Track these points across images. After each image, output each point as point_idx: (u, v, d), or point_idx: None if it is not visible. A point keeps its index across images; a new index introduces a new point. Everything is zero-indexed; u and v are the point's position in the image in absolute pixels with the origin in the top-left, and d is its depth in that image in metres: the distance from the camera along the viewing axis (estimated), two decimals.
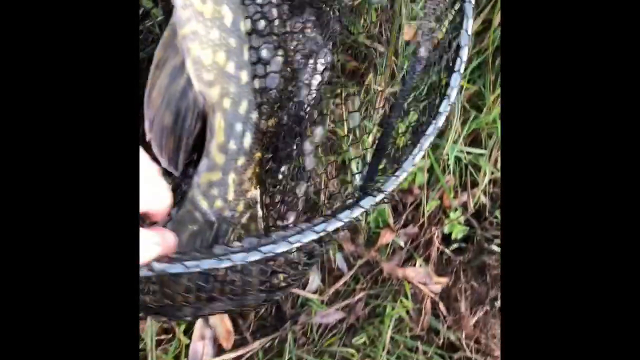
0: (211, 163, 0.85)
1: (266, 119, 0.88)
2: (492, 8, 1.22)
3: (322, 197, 1.07)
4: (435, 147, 1.27)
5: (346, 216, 0.70)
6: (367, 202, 0.72)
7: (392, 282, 1.28)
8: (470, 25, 0.76)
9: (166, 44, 0.82)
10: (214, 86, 0.82)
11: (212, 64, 0.81)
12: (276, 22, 0.85)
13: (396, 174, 0.74)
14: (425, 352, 1.28)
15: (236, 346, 1.19)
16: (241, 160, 0.86)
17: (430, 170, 1.28)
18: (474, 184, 1.32)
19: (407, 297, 1.27)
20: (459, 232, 1.33)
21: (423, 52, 0.86)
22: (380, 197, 0.72)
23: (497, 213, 1.34)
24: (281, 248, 0.68)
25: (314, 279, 1.22)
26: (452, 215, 1.31)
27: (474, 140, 1.31)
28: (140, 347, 1.11)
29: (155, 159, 0.84)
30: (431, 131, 0.75)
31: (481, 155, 1.30)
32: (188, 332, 1.16)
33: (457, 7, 0.79)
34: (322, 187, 1.06)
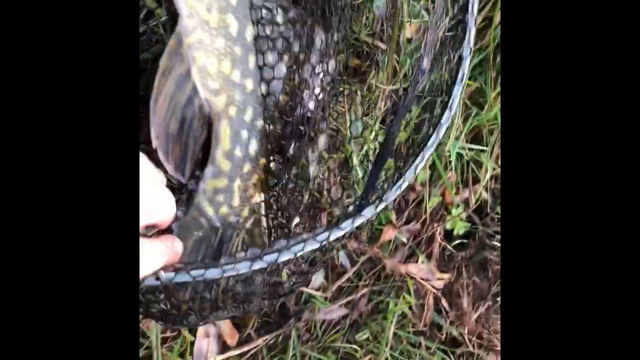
0: (217, 170, 0.86)
1: (271, 125, 0.89)
2: (493, 6, 1.23)
3: (325, 198, 1.07)
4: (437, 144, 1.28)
5: (348, 225, 0.72)
6: (369, 212, 0.73)
7: (394, 278, 1.29)
8: (472, 37, 0.77)
9: (172, 52, 0.82)
10: (220, 94, 0.83)
11: (218, 72, 0.81)
12: (282, 29, 0.85)
13: (398, 183, 0.75)
14: (428, 348, 1.29)
15: (240, 343, 1.20)
16: (247, 167, 0.87)
17: (432, 167, 1.29)
18: (476, 180, 1.33)
19: (409, 293, 1.29)
20: (460, 228, 1.34)
21: (425, 63, 0.86)
22: (381, 206, 0.74)
23: (499, 209, 1.35)
24: (284, 257, 0.70)
25: (318, 276, 1.23)
26: (453, 211, 1.32)
27: (476, 136, 1.32)
28: (145, 344, 1.13)
29: (161, 166, 0.85)
30: (433, 142, 0.76)
31: (482, 151, 1.30)
32: (193, 329, 1.17)
33: (459, 18, 0.79)
34: (326, 189, 1.07)
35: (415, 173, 0.75)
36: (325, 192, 1.07)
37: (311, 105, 0.92)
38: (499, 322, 1.32)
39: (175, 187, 0.94)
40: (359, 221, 0.72)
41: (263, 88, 0.85)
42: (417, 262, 1.30)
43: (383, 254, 1.28)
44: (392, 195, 0.74)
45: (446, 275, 1.32)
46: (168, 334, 1.15)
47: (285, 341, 1.22)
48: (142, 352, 1.12)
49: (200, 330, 1.17)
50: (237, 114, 0.84)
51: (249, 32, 0.81)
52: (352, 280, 1.27)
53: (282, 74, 0.87)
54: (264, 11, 0.82)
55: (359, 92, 1.15)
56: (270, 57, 0.85)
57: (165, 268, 0.69)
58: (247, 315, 1.17)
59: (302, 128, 0.92)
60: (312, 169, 0.94)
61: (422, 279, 1.29)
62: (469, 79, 1.27)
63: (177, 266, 0.70)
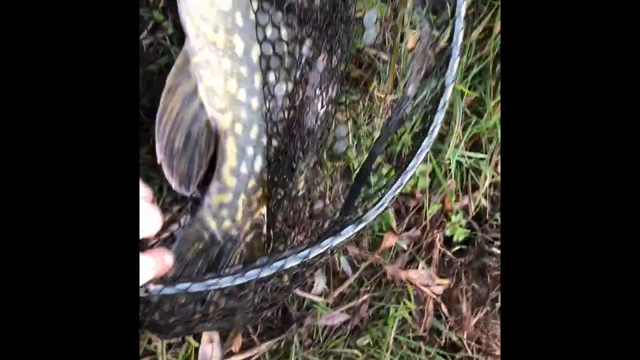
0: (222, 185, 0.88)
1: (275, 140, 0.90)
2: (493, 16, 1.24)
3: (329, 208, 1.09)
4: (436, 151, 1.29)
5: (328, 244, 0.75)
6: (349, 231, 0.76)
7: (395, 284, 1.31)
8: (455, 66, 0.79)
9: (179, 70, 0.84)
10: (226, 113, 0.84)
11: (224, 91, 0.83)
12: (286, 48, 0.87)
13: (377, 205, 0.78)
14: (427, 353, 1.31)
15: (243, 349, 1.22)
16: (252, 183, 0.88)
17: (432, 174, 1.31)
18: (475, 188, 1.35)
19: (410, 299, 1.30)
20: (460, 234, 1.35)
21: (411, 90, 0.88)
22: (361, 226, 0.77)
23: (498, 216, 1.37)
24: (265, 273, 0.73)
25: (319, 282, 1.25)
26: (453, 218, 1.34)
27: (475, 144, 1.33)
28: (150, 350, 1.14)
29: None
30: (412, 166, 0.78)
31: (482, 159, 1.32)
32: (197, 336, 1.19)
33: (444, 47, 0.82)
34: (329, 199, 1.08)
35: (394, 195, 0.78)
36: (328, 202, 1.08)
37: (314, 119, 0.93)
38: (498, 326, 1.34)
39: (179, 198, 0.96)
40: (337, 240, 0.75)
41: (267, 104, 0.87)
42: (417, 268, 1.32)
43: (384, 260, 1.29)
44: (372, 215, 0.77)
45: (445, 281, 1.34)
46: (173, 339, 1.16)
47: (288, 346, 1.24)
48: (147, 359, 1.13)
49: (204, 336, 1.19)
50: (243, 131, 0.85)
51: (255, 52, 0.83)
52: (353, 286, 1.29)
53: (287, 90, 0.88)
54: (270, 30, 0.84)
55: (360, 102, 1.17)
56: (275, 75, 0.86)
57: (154, 281, 0.73)
58: (233, 328, 1.19)
59: (305, 142, 0.93)
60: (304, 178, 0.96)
61: (422, 285, 1.31)
62: (469, 88, 1.28)
63: (166, 280, 0.74)
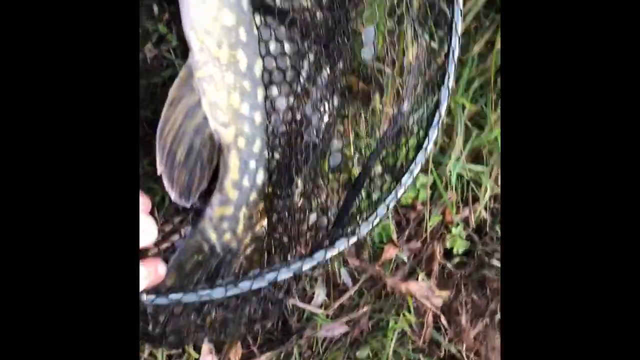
0: (224, 198, 0.88)
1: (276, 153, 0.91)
2: (495, 30, 1.24)
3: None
4: (437, 163, 1.30)
5: (320, 256, 0.76)
6: (341, 244, 0.77)
7: (395, 296, 1.31)
8: (451, 83, 0.80)
9: (182, 83, 0.85)
10: (229, 126, 0.85)
11: (228, 106, 0.84)
12: (288, 62, 0.87)
13: (370, 219, 0.79)
14: None
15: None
16: (253, 196, 0.89)
17: (433, 186, 1.31)
18: (475, 200, 1.35)
19: (409, 311, 1.31)
20: (460, 246, 1.36)
21: (407, 105, 0.89)
22: (353, 239, 0.78)
23: (498, 228, 1.37)
24: (257, 285, 0.74)
25: (319, 294, 1.25)
26: (453, 230, 1.34)
27: (476, 157, 1.34)
28: None
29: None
30: (405, 181, 0.79)
31: (482, 172, 1.32)
32: (197, 347, 1.19)
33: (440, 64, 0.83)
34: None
35: (387, 210, 0.79)
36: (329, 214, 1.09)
37: (315, 132, 0.94)
38: (497, 339, 1.34)
39: (180, 209, 0.96)
40: (330, 253, 0.77)
41: (269, 118, 0.87)
42: (417, 280, 1.32)
43: (384, 272, 1.30)
44: (365, 229, 0.79)
45: (445, 293, 1.34)
46: (173, 351, 1.16)
47: (287, 358, 1.24)
48: None
49: (204, 347, 1.19)
50: (246, 145, 0.86)
51: (258, 67, 0.83)
52: (353, 298, 1.29)
53: (289, 104, 0.89)
54: (273, 45, 0.84)
55: (362, 115, 1.17)
56: (277, 89, 0.87)
57: (147, 290, 0.73)
58: (227, 340, 1.19)
59: (305, 155, 0.94)
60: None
61: (421, 296, 1.31)
62: (471, 101, 1.29)
63: (159, 290, 0.75)
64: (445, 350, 1.34)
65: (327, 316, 1.26)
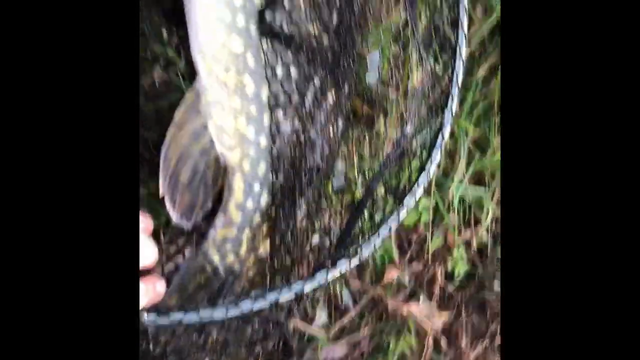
0: (228, 220, 0.89)
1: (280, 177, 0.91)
2: (499, 55, 1.25)
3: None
4: (440, 186, 1.30)
5: (322, 277, 0.77)
6: (343, 265, 0.78)
7: (396, 318, 1.31)
8: (455, 106, 0.81)
9: (189, 106, 0.85)
10: (235, 150, 0.86)
11: (234, 129, 0.84)
12: (294, 86, 0.88)
13: (372, 239, 0.80)
14: None
15: None
16: (257, 219, 0.89)
17: (435, 208, 1.31)
18: (477, 222, 1.36)
19: (410, 333, 1.31)
20: (461, 268, 1.36)
21: (409, 129, 0.90)
22: (355, 260, 0.78)
23: (499, 250, 1.37)
24: (258, 305, 0.75)
25: (321, 316, 1.25)
26: (455, 252, 1.34)
27: (478, 179, 1.34)
28: None
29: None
30: (407, 202, 0.80)
31: (484, 194, 1.33)
32: None
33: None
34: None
35: (389, 231, 0.80)
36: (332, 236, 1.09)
37: (320, 155, 0.95)
38: None
39: (185, 230, 0.96)
40: (332, 274, 0.77)
41: (274, 142, 0.88)
42: (418, 302, 1.32)
43: (385, 294, 1.30)
44: (367, 250, 0.79)
45: (445, 314, 1.34)
46: None
47: None
48: None
49: None
50: (250, 168, 0.87)
51: (265, 92, 0.84)
52: (354, 319, 1.29)
53: (294, 127, 0.89)
54: (279, 69, 0.85)
55: (366, 137, 1.18)
56: (283, 112, 0.88)
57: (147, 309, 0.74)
58: None
59: (311, 177, 0.94)
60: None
61: (422, 318, 1.31)
62: (474, 124, 1.29)
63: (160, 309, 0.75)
64: None
65: (328, 338, 1.26)
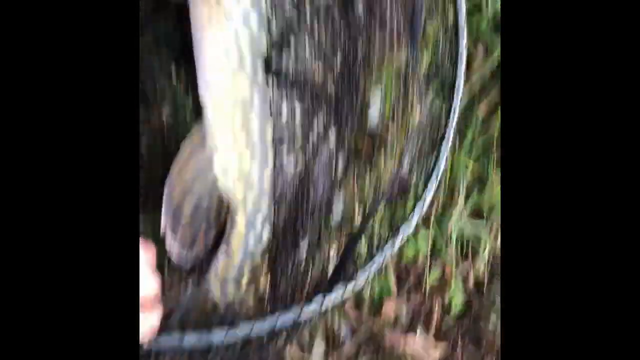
0: (230, 254, 0.90)
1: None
2: (500, 92, 1.27)
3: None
4: (439, 220, 1.31)
5: (319, 300, 0.78)
6: (340, 290, 0.80)
7: (393, 349, 1.32)
8: (450, 138, 0.83)
9: (194, 141, 0.87)
10: (238, 186, 0.87)
11: (238, 167, 0.86)
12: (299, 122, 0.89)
13: (368, 265, 0.81)
14: None
15: None
16: (258, 254, 0.90)
17: (434, 240, 1.33)
18: (475, 254, 1.37)
19: None
20: (458, 300, 1.37)
21: (407, 162, 0.92)
22: (351, 287, 0.79)
23: (497, 283, 1.38)
24: (257, 328, 0.76)
25: (319, 346, 1.26)
26: (453, 284, 1.35)
27: (477, 212, 1.35)
28: None
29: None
30: (403, 232, 0.81)
31: (482, 227, 1.34)
32: None
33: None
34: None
35: (384, 259, 0.81)
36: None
37: (322, 190, 0.96)
38: None
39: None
40: (329, 297, 0.78)
41: (278, 178, 0.90)
42: (415, 334, 1.33)
43: (383, 325, 1.31)
44: (363, 276, 0.80)
45: (443, 345, 1.34)
46: None
47: None
48: None
49: None
50: (253, 205, 0.88)
51: (269, 130, 0.86)
52: (352, 351, 1.30)
53: (297, 163, 0.91)
54: (284, 106, 0.87)
55: (368, 173, 1.19)
56: (286, 149, 0.89)
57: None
58: None
59: (312, 212, 0.96)
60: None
61: (419, 350, 1.32)
62: (473, 159, 1.31)
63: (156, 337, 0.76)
64: None
65: None
